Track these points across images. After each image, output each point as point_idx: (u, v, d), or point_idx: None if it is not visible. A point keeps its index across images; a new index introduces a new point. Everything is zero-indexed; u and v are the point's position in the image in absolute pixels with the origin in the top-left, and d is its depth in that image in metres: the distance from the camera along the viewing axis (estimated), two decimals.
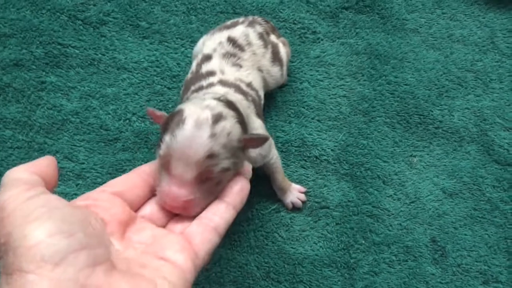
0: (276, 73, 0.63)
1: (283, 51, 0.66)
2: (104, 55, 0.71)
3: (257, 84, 0.59)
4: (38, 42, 0.70)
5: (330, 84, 0.73)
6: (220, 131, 0.41)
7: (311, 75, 0.73)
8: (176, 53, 0.72)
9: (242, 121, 0.44)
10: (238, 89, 0.55)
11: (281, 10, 0.76)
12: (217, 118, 0.41)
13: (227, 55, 0.58)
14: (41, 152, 0.66)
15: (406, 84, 0.73)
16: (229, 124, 0.41)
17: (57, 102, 0.68)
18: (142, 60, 0.71)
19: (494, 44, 0.76)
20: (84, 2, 0.72)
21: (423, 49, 0.75)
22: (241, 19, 0.64)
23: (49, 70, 0.69)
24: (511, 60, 0.76)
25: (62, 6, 0.72)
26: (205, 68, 0.58)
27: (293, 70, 0.73)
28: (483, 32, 0.77)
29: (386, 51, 0.75)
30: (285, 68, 0.66)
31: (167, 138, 0.40)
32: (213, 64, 0.58)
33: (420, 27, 0.77)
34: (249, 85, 0.58)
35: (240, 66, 0.58)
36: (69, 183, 0.64)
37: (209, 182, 0.40)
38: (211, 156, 0.40)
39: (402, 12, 0.77)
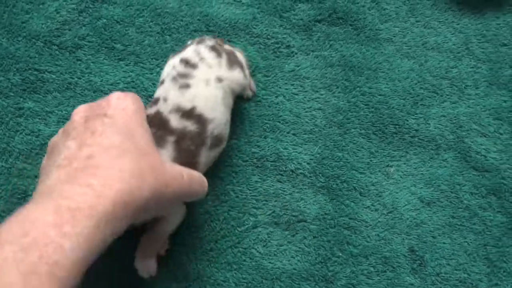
0: (237, 76, 0.63)
1: (240, 55, 0.66)
2: (80, 78, 0.72)
3: (209, 104, 0.59)
4: (15, 69, 0.71)
5: (305, 97, 0.74)
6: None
7: (286, 89, 0.74)
8: (151, 73, 0.73)
9: None
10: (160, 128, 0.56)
11: (254, 26, 0.76)
12: None
13: (177, 77, 0.59)
14: (21, 177, 0.67)
15: (380, 95, 0.74)
16: None
17: (35, 128, 0.69)
18: (118, 81, 0.72)
19: (469, 50, 0.77)
20: (59, 27, 0.74)
21: (397, 58, 0.76)
22: (189, 41, 0.65)
23: (26, 96, 0.70)
24: (486, 65, 0.76)
25: (38, 32, 0.73)
26: (156, 94, 0.60)
27: (268, 84, 0.74)
28: (458, 38, 0.77)
29: (360, 62, 0.76)
30: (246, 71, 0.66)
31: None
32: (161, 90, 0.59)
33: (394, 36, 0.77)
34: (189, 112, 0.58)
35: (188, 87, 0.58)
36: None
37: None
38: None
39: (376, 22, 0.78)
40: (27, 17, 0.74)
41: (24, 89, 0.71)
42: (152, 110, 0.58)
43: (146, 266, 0.60)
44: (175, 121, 0.56)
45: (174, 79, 0.59)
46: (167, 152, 0.55)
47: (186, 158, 0.56)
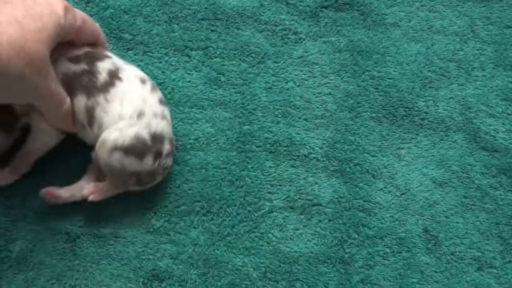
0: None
1: None
2: None
3: None
4: None
5: (314, 83, 0.74)
6: None
7: (295, 75, 0.74)
8: (160, 62, 0.73)
9: None
10: None
11: (262, 13, 0.77)
12: None
13: None
14: None
15: (389, 78, 0.74)
16: None
17: None
18: None
19: (474, 33, 0.77)
20: None
21: (404, 42, 0.76)
22: None
23: None
24: (492, 47, 0.77)
25: None
26: None
27: (278, 70, 0.74)
28: (463, 21, 0.78)
29: (367, 46, 0.76)
30: None
31: None
32: None
33: (400, 21, 0.78)
34: None
35: None
36: None
37: None
38: None
39: (381, 7, 0.78)
40: None
41: None
42: None
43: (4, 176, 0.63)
44: None
45: None
46: None
47: None
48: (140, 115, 0.60)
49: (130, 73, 0.62)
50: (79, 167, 0.65)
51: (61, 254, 0.64)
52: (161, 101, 0.63)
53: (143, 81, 0.62)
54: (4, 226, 0.64)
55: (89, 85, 0.59)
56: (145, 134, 0.59)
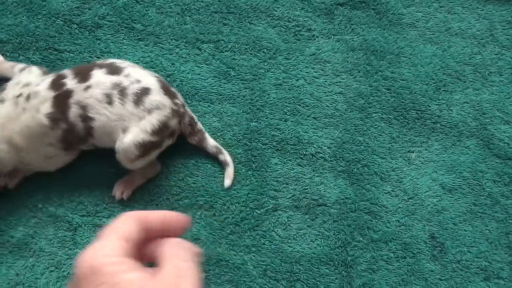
0: None
1: None
2: (99, 57, 0.71)
3: None
4: (34, 48, 0.71)
5: (326, 81, 0.73)
6: None
7: (306, 72, 0.73)
8: (171, 54, 0.72)
9: None
10: None
11: (276, 8, 0.76)
12: None
13: None
14: None
15: (402, 79, 0.73)
16: None
17: None
18: (137, 61, 0.71)
19: (493, 37, 0.75)
20: (79, 6, 0.73)
21: (420, 43, 0.75)
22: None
23: None
24: (511, 52, 0.74)
25: (58, 10, 0.73)
26: None
27: (289, 67, 0.73)
28: (482, 24, 0.76)
29: (382, 46, 0.75)
30: None
31: None
32: None
33: (417, 22, 0.76)
34: None
35: None
36: None
37: None
38: None
39: (398, 7, 0.77)
40: None
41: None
42: None
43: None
44: None
45: None
46: None
47: None
48: None
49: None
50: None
51: (61, 242, 0.64)
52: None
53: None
54: (6, 211, 0.64)
55: None
56: None
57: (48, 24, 0.72)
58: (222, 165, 0.67)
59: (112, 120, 0.60)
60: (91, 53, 0.72)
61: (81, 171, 0.65)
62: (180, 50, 0.73)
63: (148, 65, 0.71)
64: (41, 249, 0.63)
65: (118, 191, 0.65)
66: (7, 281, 0.61)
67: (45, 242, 0.63)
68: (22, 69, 0.65)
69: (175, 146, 0.66)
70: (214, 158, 0.68)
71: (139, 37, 0.73)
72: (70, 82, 0.60)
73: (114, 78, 0.60)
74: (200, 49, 0.73)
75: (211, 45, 0.73)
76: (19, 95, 0.59)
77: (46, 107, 0.59)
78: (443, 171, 0.69)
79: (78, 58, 0.71)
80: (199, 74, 0.72)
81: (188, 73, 0.72)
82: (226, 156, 0.67)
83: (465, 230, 0.67)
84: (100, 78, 0.60)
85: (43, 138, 0.60)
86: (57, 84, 0.60)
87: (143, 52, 0.72)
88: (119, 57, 0.71)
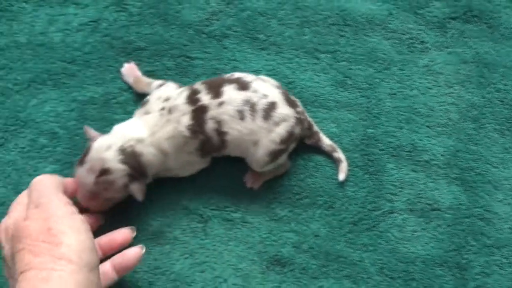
0: None
1: None
2: (226, 65, 0.77)
3: None
4: (169, 55, 0.77)
5: (438, 92, 0.76)
6: (102, 181, 0.62)
7: (420, 83, 0.77)
8: (291, 63, 0.78)
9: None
10: None
11: (390, 22, 0.80)
12: (103, 172, 0.62)
13: None
14: None
15: None
16: (114, 177, 0.63)
17: None
18: (260, 69, 0.77)
19: None
20: (209, 17, 0.80)
21: None
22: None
23: (178, 79, 0.76)
24: None
25: (190, 21, 0.79)
26: None
27: (403, 78, 0.77)
28: None
29: (494, 59, 0.77)
30: None
31: (76, 166, 0.63)
32: None
33: None
34: None
35: None
36: None
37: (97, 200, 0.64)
38: (93, 192, 0.63)
39: (511, 21, 0.79)
40: (180, 7, 0.80)
41: (177, 73, 0.77)
42: None
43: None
44: None
45: None
46: None
47: None
48: None
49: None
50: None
51: (194, 232, 0.70)
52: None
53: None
54: (146, 203, 0.70)
55: None
56: None
57: (181, 34, 0.79)
58: (336, 162, 0.72)
59: (244, 134, 0.65)
60: (218, 60, 0.78)
61: (212, 171, 0.71)
62: (300, 59, 0.78)
63: (271, 73, 0.77)
64: (176, 237, 0.69)
65: (250, 181, 0.71)
66: (147, 265, 0.67)
67: (179, 231, 0.70)
68: (160, 85, 0.71)
69: (295, 149, 0.71)
70: (329, 156, 0.72)
71: (262, 46, 0.79)
72: (204, 98, 0.66)
73: (244, 94, 0.66)
74: (318, 59, 0.78)
75: (328, 55, 0.78)
76: (162, 109, 0.66)
77: (186, 120, 0.65)
78: None
79: (207, 65, 0.77)
80: (317, 82, 0.77)
81: (307, 81, 0.77)
82: (339, 154, 0.72)
83: None
84: (231, 94, 0.66)
85: (184, 147, 0.66)
86: (192, 99, 0.66)
87: (266, 60, 0.78)
88: (244, 65, 0.77)
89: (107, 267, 0.61)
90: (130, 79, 0.75)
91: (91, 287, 0.50)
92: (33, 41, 0.78)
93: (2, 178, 0.70)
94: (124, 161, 0.63)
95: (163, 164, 0.67)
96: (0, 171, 0.71)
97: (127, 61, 0.76)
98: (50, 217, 0.52)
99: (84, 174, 0.62)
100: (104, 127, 0.72)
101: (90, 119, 0.74)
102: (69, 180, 0.62)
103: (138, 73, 0.75)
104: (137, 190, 0.64)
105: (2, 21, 0.78)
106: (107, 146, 0.63)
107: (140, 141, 0.64)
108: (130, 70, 0.75)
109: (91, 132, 0.66)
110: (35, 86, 0.75)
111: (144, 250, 0.63)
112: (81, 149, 0.70)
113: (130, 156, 0.63)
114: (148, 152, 0.64)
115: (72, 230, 0.51)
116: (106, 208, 0.66)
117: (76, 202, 0.60)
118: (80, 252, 0.50)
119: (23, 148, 0.72)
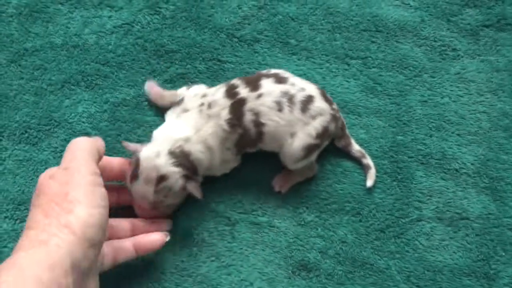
0: None
1: None
2: (257, 69, 0.78)
3: None
4: (201, 58, 0.78)
5: (470, 100, 0.76)
6: (162, 188, 0.63)
7: (451, 90, 0.76)
8: (321, 68, 0.78)
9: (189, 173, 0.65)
10: None
11: (422, 29, 0.80)
12: (161, 179, 0.62)
13: None
14: None
15: None
16: (171, 182, 0.63)
17: None
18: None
19: None
20: (240, 21, 0.80)
21: None
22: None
23: (209, 82, 0.77)
24: None
25: (221, 25, 0.80)
26: None
27: (434, 85, 0.77)
28: None
29: None
30: None
31: (130, 183, 0.63)
32: None
33: None
34: None
35: None
36: None
37: (158, 209, 0.65)
38: (155, 202, 0.63)
39: None
40: (212, 11, 0.81)
41: (208, 76, 0.78)
42: None
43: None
44: None
45: None
46: None
47: None
48: None
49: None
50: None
51: (221, 235, 0.70)
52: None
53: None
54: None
55: None
56: None
57: (213, 37, 0.80)
58: (364, 169, 0.72)
59: (282, 126, 0.66)
60: (249, 64, 0.78)
61: (239, 174, 0.72)
62: (330, 65, 0.78)
63: (301, 77, 0.77)
64: (203, 240, 0.70)
65: (278, 184, 0.72)
66: (174, 266, 0.68)
67: (206, 234, 0.70)
68: (190, 86, 0.73)
69: (324, 155, 0.72)
70: (357, 162, 0.73)
71: (293, 51, 0.79)
72: (243, 91, 0.67)
73: (282, 87, 0.67)
74: (348, 65, 0.78)
75: (359, 61, 0.78)
76: (202, 104, 0.67)
77: (226, 114, 0.66)
78: None
79: (238, 69, 0.78)
80: (347, 88, 0.77)
81: (337, 86, 0.77)
82: (368, 160, 0.72)
83: None
84: (269, 87, 0.67)
85: (224, 143, 0.67)
86: (231, 93, 0.67)
87: (296, 65, 0.78)
88: (275, 69, 0.78)
89: (127, 244, 0.62)
90: (152, 97, 0.75)
91: (85, 262, 0.50)
92: (68, 43, 0.80)
93: (35, 177, 0.72)
94: (177, 164, 0.63)
95: (210, 161, 0.67)
96: (32, 170, 0.73)
97: (148, 79, 0.77)
98: (71, 183, 0.52)
99: (141, 187, 0.62)
100: (135, 129, 0.74)
101: (121, 120, 0.75)
102: (113, 160, 0.66)
103: (159, 89, 0.75)
104: (194, 188, 0.65)
105: (38, 22, 0.80)
106: (156, 153, 0.63)
107: (187, 140, 0.65)
108: (151, 88, 0.76)
109: (131, 145, 0.66)
110: (69, 87, 0.77)
111: (168, 238, 0.65)
112: (112, 150, 0.72)
113: (181, 157, 0.64)
114: (196, 149, 0.65)
115: (87, 201, 0.51)
116: (168, 214, 0.68)
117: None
118: (86, 227, 0.50)
119: (56, 148, 0.74)
